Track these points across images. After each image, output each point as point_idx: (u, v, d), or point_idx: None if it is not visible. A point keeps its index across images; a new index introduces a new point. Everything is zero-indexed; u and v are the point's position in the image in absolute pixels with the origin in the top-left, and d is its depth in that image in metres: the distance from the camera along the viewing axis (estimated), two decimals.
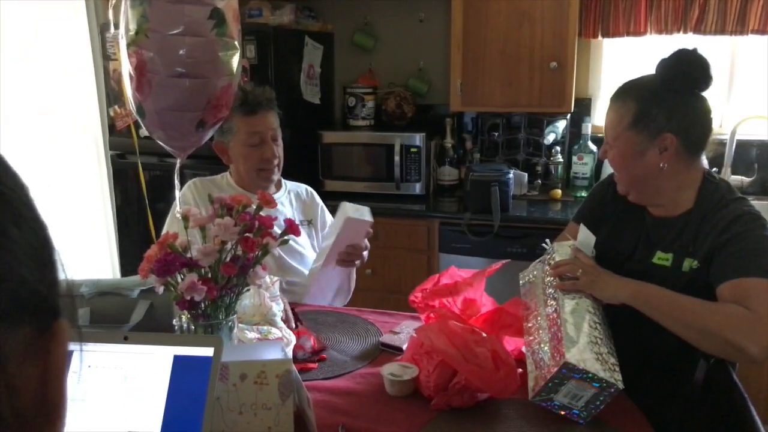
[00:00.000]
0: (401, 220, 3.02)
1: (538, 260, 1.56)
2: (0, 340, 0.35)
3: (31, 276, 0.38)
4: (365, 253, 1.93)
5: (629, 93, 1.48)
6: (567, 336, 1.25)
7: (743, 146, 3.06)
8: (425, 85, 3.41)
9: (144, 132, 3.22)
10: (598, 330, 1.29)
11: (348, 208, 1.82)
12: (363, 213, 1.84)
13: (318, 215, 2.17)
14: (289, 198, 2.14)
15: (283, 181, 2.16)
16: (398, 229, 3.02)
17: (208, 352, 1.09)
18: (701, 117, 1.46)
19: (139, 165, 2.69)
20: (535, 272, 1.53)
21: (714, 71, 1.43)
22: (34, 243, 0.39)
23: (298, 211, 2.13)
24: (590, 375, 1.19)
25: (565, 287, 1.40)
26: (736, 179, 3.06)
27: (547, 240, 1.62)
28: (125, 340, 1.10)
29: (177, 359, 1.09)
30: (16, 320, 0.37)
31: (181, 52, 1.41)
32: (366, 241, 1.91)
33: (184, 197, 1.99)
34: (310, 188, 2.23)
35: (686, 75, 1.42)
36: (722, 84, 3.11)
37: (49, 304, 0.40)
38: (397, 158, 3.12)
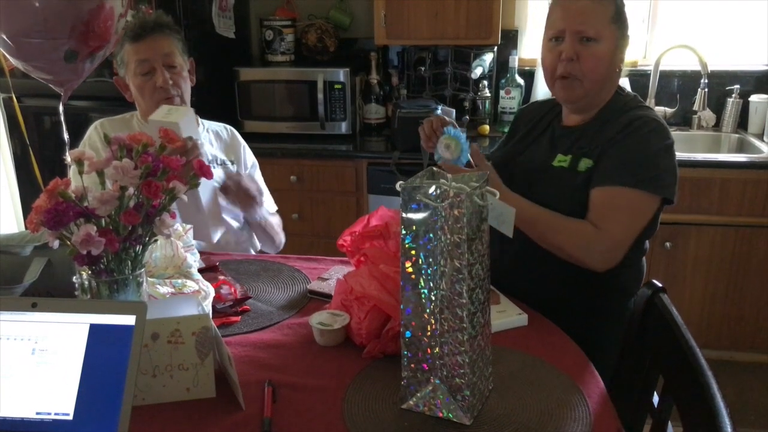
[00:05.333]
0: (327, 162, 2.90)
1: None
2: None
3: None
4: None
5: None
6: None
7: (666, 77, 3.08)
8: (348, 17, 3.23)
9: None
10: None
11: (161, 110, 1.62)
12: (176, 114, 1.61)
13: (241, 155, 2.03)
14: (209, 137, 1.98)
15: (200, 120, 1.99)
16: (325, 170, 2.90)
17: (129, 320, 0.97)
18: None
19: (15, 103, 2.49)
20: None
21: None
22: None
23: (220, 150, 1.98)
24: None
25: None
26: (659, 110, 3.09)
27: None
28: (33, 307, 0.98)
29: (93, 328, 0.98)
30: None
31: None
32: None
33: (91, 140, 1.81)
34: (229, 126, 2.08)
35: None
36: (645, 14, 3.09)
37: None
38: (320, 96, 2.96)
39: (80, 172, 1.14)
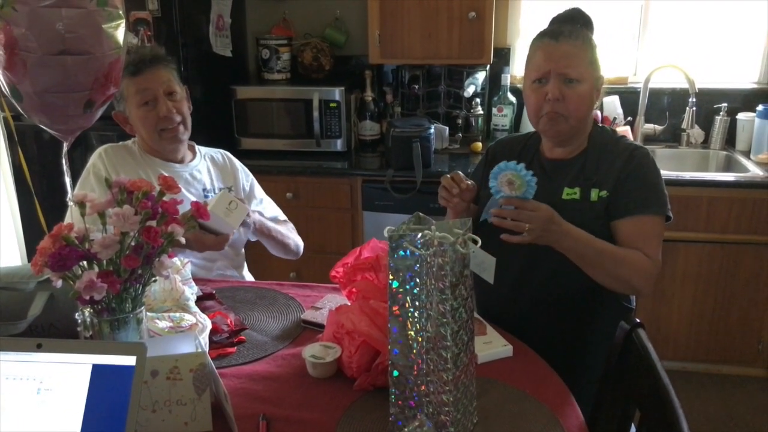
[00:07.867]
0: (323, 179, 2.95)
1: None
2: None
3: None
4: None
5: (579, 32, 1.52)
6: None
7: (656, 94, 3.14)
8: (343, 36, 3.28)
9: None
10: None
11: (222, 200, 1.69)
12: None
13: (239, 179, 2.07)
14: (206, 164, 2.03)
15: (197, 147, 2.04)
16: (320, 187, 2.95)
17: (129, 360, 1.02)
18: None
19: (12, 125, 2.49)
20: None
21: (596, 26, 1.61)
22: None
23: (217, 177, 2.02)
24: None
25: (513, 240, 1.38)
26: (648, 127, 3.14)
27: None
28: (39, 348, 1.03)
29: (96, 369, 1.02)
30: None
31: (58, 26, 1.25)
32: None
33: (95, 168, 1.85)
34: (225, 152, 2.12)
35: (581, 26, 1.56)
36: (635, 32, 3.14)
37: None
38: (315, 114, 3.01)
39: (82, 214, 1.20)
